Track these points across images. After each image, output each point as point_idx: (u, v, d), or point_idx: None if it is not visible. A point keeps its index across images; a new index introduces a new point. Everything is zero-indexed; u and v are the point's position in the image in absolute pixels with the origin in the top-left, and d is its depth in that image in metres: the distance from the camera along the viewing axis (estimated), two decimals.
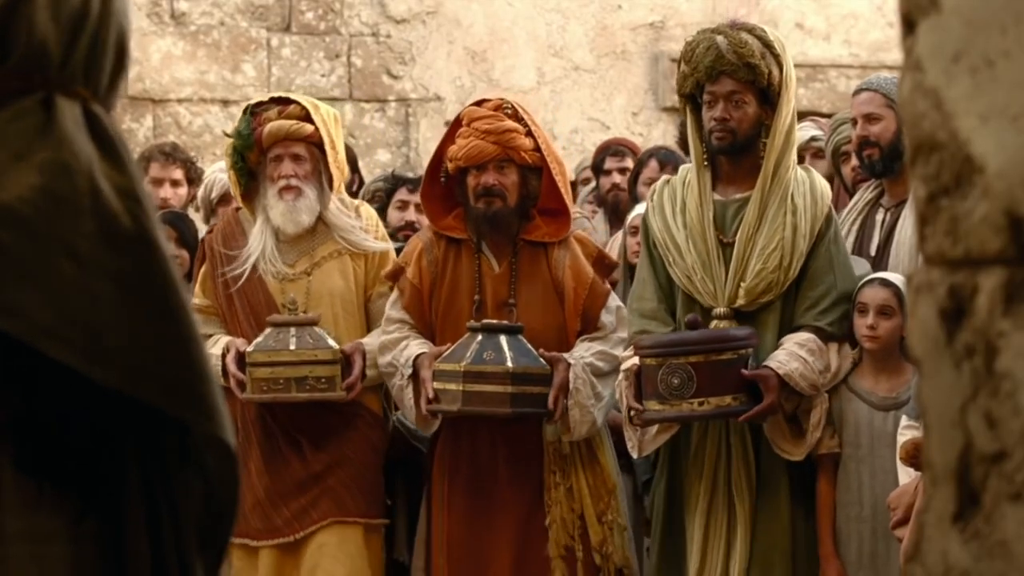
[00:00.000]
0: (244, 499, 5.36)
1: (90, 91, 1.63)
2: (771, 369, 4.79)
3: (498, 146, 5.22)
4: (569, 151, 9.24)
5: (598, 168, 7.34)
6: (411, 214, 6.47)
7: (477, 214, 5.29)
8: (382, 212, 6.38)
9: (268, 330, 5.39)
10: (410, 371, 5.22)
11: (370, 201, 6.67)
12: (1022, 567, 1.19)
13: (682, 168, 5.21)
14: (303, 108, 5.50)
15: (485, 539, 5.29)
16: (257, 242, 5.50)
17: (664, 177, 5.28)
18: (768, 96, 4.96)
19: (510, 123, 5.24)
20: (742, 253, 4.95)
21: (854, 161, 5.89)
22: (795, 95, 5.06)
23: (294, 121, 5.47)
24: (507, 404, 5.10)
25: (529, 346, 5.20)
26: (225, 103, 9.23)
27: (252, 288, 5.50)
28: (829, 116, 6.95)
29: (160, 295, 1.60)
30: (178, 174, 6.97)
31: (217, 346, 5.41)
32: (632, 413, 4.87)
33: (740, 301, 4.93)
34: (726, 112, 4.95)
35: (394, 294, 5.43)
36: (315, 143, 5.48)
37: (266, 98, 5.69)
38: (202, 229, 6.77)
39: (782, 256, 4.93)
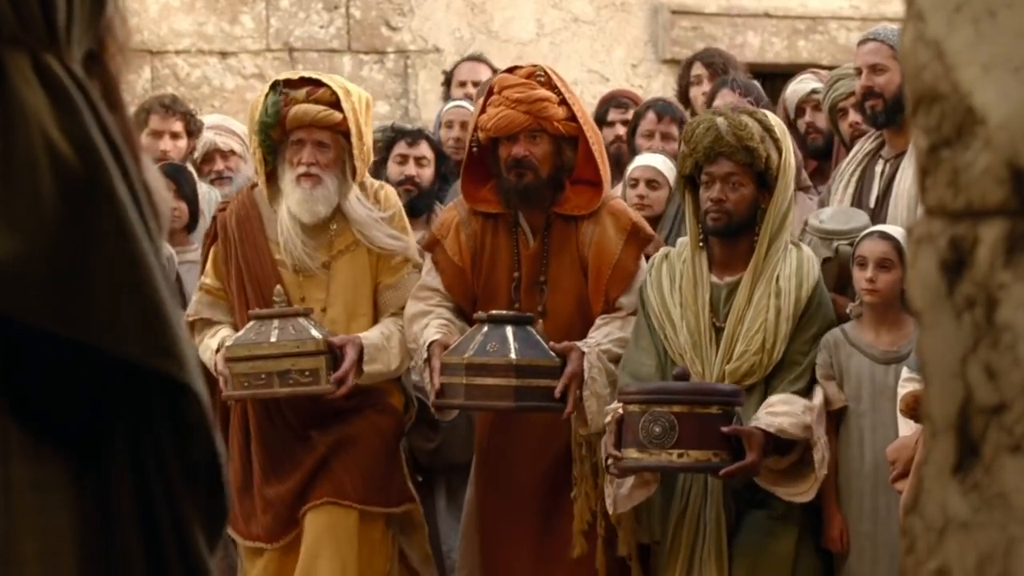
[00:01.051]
0: (253, 502, 5.35)
1: (51, 39, 1.62)
2: (756, 427, 4.76)
3: (529, 115, 5.08)
4: None
5: (601, 120, 7.31)
6: (411, 168, 6.38)
7: (508, 186, 5.15)
8: (381, 164, 6.34)
9: (250, 323, 5.18)
10: (425, 355, 5.11)
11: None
12: (1022, 518, 1.19)
13: (680, 243, 5.16)
14: (334, 93, 5.28)
15: (512, 511, 5.26)
16: (284, 228, 5.32)
17: (663, 250, 5.20)
18: (765, 180, 4.94)
19: (542, 91, 5.10)
20: (730, 336, 4.96)
21: (852, 116, 5.88)
22: (793, 180, 5.04)
23: (323, 107, 5.26)
24: (511, 398, 4.97)
25: (539, 337, 5.06)
26: (223, 55, 9.19)
27: (267, 278, 5.31)
28: (830, 68, 6.92)
29: (113, 242, 1.58)
30: (178, 126, 6.94)
31: (215, 340, 5.28)
32: (610, 461, 4.81)
33: (725, 383, 4.93)
34: (722, 193, 4.93)
35: (428, 264, 5.30)
36: (342, 131, 5.29)
37: (296, 76, 5.45)
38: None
39: (764, 338, 4.94)
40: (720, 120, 4.92)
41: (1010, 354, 1.22)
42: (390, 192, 5.54)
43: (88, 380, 1.60)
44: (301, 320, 5.14)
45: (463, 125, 6.95)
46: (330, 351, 5.10)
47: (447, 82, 7.68)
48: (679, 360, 4.99)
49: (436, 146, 6.46)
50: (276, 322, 5.13)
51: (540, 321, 5.13)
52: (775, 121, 5.02)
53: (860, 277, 5.04)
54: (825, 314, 5.05)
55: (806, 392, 4.94)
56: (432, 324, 5.18)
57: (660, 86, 9.46)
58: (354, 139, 5.28)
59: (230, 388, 5.12)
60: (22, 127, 1.55)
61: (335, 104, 5.26)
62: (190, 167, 6.92)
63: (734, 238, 5.00)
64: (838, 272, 5.37)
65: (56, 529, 1.60)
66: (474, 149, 5.19)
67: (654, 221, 6.11)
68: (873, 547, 5.06)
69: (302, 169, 5.25)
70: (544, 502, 5.26)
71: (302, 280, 5.33)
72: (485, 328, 5.03)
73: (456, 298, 5.27)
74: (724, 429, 4.69)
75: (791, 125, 6.40)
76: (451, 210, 5.37)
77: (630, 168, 6.13)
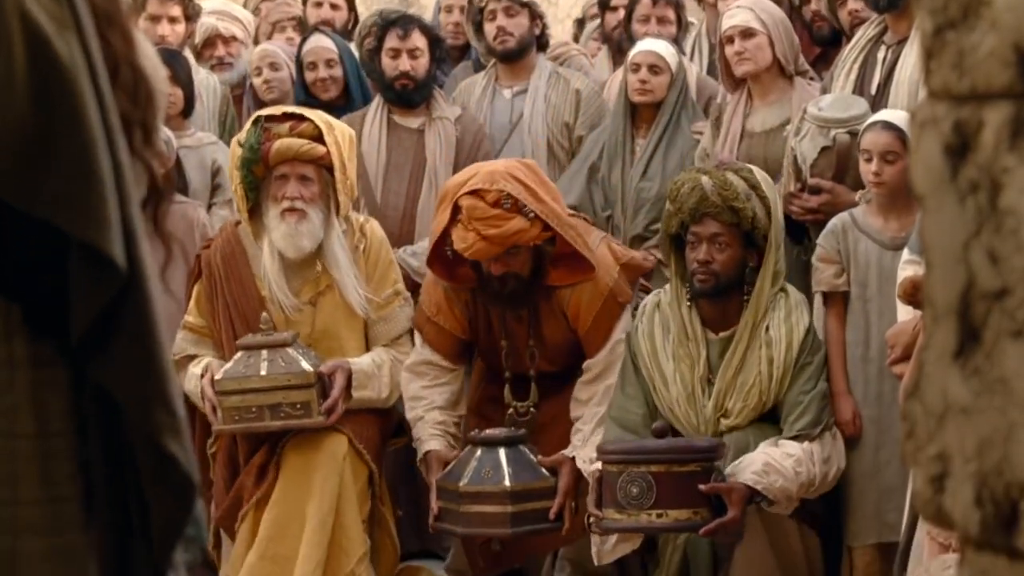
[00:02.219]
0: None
1: None
2: (740, 482, 4.72)
3: (504, 246, 5.00)
4: None
5: (604, 4, 7.26)
6: (404, 63, 6.28)
7: (492, 291, 5.16)
8: (375, 55, 6.28)
9: (239, 354, 5.14)
10: (421, 456, 5.24)
11: (361, 46, 6.58)
12: (1022, 403, 1.19)
13: (665, 293, 5.11)
14: (316, 127, 5.26)
15: None
16: (267, 267, 5.31)
17: (653, 295, 5.17)
18: (752, 238, 4.88)
19: (513, 223, 4.94)
20: (723, 391, 4.93)
21: (851, 4, 5.84)
22: (782, 238, 4.96)
23: (306, 141, 5.24)
24: (507, 524, 5.02)
25: (530, 456, 5.12)
26: None
27: (254, 313, 5.29)
28: None
29: (74, 115, 1.57)
30: (176, 11, 6.89)
31: (199, 366, 5.25)
32: (591, 520, 4.81)
33: (722, 429, 4.94)
34: (709, 255, 4.89)
35: (420, 340, 5.33)
36: (325, 165, 5.27)
37: (278, 111, 5.41)
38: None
39: (760, 392, 4.92)
40: (705, 179, 4.86)
41: (1013, 239, 1.21)
42: (375, 227, 5.50)
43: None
44: (290, 351, 5.12)
45: (462, 9, 6.90)
46: (320, 380, 5.10)
47: None
48: (667, 413, 4.99)
49: (429, 31, 6.38)
50: (265, 353, 5.10)
51: (530, 435, 5.20)
52: (761, 176, 4.95)
53: (866, 170, 5.02)
54: (821, 351, 5.02)
55: (814, 424, 4.90)
56: (427, 421, 5.26)
57: None
58: (337, 173, 5.27)
59: (221, 422, 5.08)
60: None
61: (318, 138, 5.24)
62: (188, 52, 6.88)
63: (723, 297, 4.97)
64: (836, 161, 5.35)
65: (53, 406, 1.61)
66: (449, 254, 5.07)
67: (655, 108, 6.08)
68: (878, 432, 5.09)
69: (287, 204, 5.24)
70: None
71: (288, 317, 5.33)
72: (478, 452, 5.10)
73: (456, 364, 5.35)
74: (703, 488, 4.66)
75: (797, 12, 6.36)
76: (434, 286, 5.30)
77: (631, 53, 6.08)
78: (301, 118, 5.31)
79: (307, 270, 5.35)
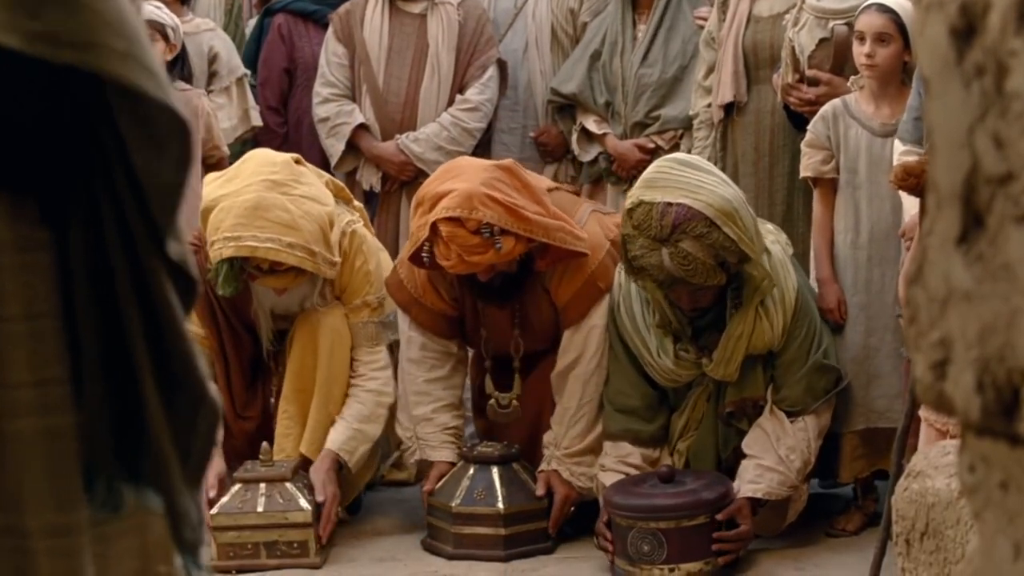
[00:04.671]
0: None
1: None
2: (741, 498, 4.81)
3: (489, 265, 4.94)
4: None
5: None
6: None
7: (478, 288, 5.12)
8: None
9: (235, 488, 5.06)
10: (423, 459, 5.27)
11: None
12: None
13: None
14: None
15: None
16: (255, 305, 5.34)
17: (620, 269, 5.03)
18: (728, 267, 4.72)
19: (494, 250, 4.82)
20: (722, 360, 4.92)
21: None
22: (761, 248, 4.81)
23: (290, 276, 5.10)
24: (501, 547, 5.02)
25: (523, 476, 5.12)
26: None
27: (251, 330, 5.39)
28: None
29: None
30: None
31: None
32: (600, 540, 4.87)
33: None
34: (692, 302, 4.82)
35: (405, 323, 5.31)
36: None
37: (253, 253, 4.98)
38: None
39: (754, 349, 4.92)
40: (665, 257, 4.62)
41: (1019, 123, 1.20)
42: (357, 235, 5.33)
43: (50, 119, 1.58)
44: (289, 486, 5.04)
45: None
46: (317, 515, 5.04)
47: None
48: (660, 379, 4.99)
49: None
50: (263, 487, 5.04)
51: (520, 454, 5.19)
52: (716, 212, 4.60)
53: (859, 52, 4.99)
54: (811, 314, 5.00)
55: (806, 397, 4.94)
56: (437, 424, 5.25)
57: None
58: (325, 272, 5.15)
59: (215, 557, 4.97)
60: None
61: (300, 269, 5.06)
62: None
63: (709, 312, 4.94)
64: (834, 53, 5.31)
65: (39, 289, 1.60)
66: (425, 260, 4.97)
67: None
68: (868, 318, 5.11)
69: (273, 293, 5.23)
70: None
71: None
72: (471, 471, 5.09)
73: (450, 339, 5.30)
74: (719, 517, 4.75)
75: None
76: (410, 269, 5.18)
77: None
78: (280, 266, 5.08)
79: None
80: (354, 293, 5.32)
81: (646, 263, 4.64)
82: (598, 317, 5.07)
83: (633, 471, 4.97)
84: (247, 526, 4.97)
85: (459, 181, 4.87)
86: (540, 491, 5.09)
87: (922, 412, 4.28)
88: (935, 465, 3.21)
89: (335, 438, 5.18)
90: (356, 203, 5.58)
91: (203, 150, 5.92)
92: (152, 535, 1.68)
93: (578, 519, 5.20)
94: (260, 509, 4.99)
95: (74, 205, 1.62)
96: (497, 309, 5.19)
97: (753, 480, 4.84)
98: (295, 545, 4.98)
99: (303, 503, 5.00)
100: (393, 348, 5.48)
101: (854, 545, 5.04)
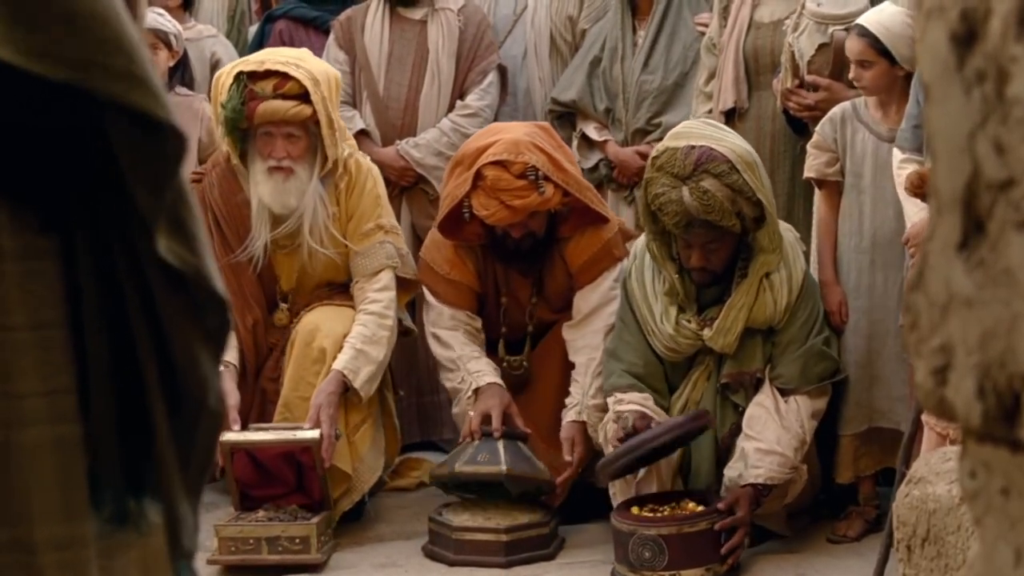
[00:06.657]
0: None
1: None
2: (742, 487, 4.83)
3: (527, 213, 5.12)
4: None
5: None
6: None
7: (506, 251, 5.27)
8: None
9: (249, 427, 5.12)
10: (480, 386, 5.29)
11: None
12: None
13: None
14: (302, 85, 5.18)
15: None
16: (257, 225, 5.32)
17: (644, 236, 5.13)
18: (746, 228, 4.85)
19: (537, 195, 5.06)
20: (721, 330, 4.96)
21: None
22: (774, 207, 4.92)
23: (291, 104, 5.18)
24: (501, 553, 5.04)
25: (527, 451, 5.15)
26: None
27: (244, 228, 5.36)
28: None
29: None
30: None
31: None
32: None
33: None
34: (703, 259, 4.90)
35: (431, 299, 5.39)
36: (312, 121, 5.23)
37: (261, 67, 5.25)
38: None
39: (762, 321, 4.98)
40: (685, 193, 4.77)
41: (1020, 129, 1.20)
42: (360, 161, 5.44)
43: (54, 140, 1.57)
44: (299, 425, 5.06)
45: None
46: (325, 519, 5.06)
47: None
48: (661, 350, 5.03)
49: None
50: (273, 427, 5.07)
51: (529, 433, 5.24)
52: (738, 155, 4.81)
53: (852, 72, 5.05)
54: (815, 300, 5.05)
55: (800, 379, 4.96)
56: (484, 362, 5.34)
57: None
58: (324, 128, 5.21)
59: (216, 553, 4.98)
60: None
61: (304, 96, 5.15)
62: None
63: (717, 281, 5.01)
64: (833, 58, 5.32)
65: (45, 297, 1.59)
66: (466, 217, 5.14)
67: None
68: (870, 322, 5.11)
69: (273, 162, 5.21)
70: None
71: (277, 260, 5.39)
72: (476, 442, 5.12)
73: (476, 317, 5.41)
74: (720, 506, 4.78)
75: None
76: (441, 245, 5.36)
77: None
78: (285, 76, 5.20)
79: (291, 217, 5.32)
80: (364, 216, 5.38)
81: (666, 200, 4.79)
82: (611, 279, 5.29)
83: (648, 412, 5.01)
84: (249, 520, 5.00)
85: (502, 134, 5.15)
86: (566, 454, 5.16)
87: (924, 416, 4.28)
88: (936, 471, 3.21)
89: (340, 359, 5.20)
90: None
91: (203, 155, 5.92)
92: (153, 547, 1.67)
93: (580, 511, 5.24)
94: (270, 438, 5.03)
95: (78, 213, 1.61)
96: (519, 276, 5.35)
97: (755, 465, 4.86)
98: (297, 540, 4.97)
99: (312, 433, 5.02)
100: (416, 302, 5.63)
101: (855, 551, 5.04)
